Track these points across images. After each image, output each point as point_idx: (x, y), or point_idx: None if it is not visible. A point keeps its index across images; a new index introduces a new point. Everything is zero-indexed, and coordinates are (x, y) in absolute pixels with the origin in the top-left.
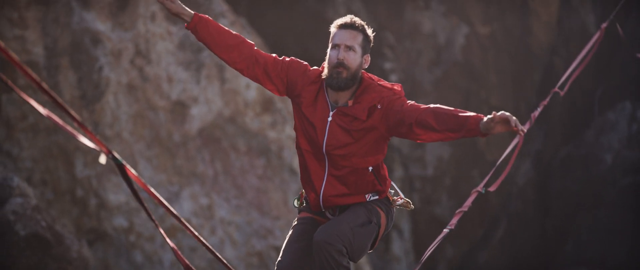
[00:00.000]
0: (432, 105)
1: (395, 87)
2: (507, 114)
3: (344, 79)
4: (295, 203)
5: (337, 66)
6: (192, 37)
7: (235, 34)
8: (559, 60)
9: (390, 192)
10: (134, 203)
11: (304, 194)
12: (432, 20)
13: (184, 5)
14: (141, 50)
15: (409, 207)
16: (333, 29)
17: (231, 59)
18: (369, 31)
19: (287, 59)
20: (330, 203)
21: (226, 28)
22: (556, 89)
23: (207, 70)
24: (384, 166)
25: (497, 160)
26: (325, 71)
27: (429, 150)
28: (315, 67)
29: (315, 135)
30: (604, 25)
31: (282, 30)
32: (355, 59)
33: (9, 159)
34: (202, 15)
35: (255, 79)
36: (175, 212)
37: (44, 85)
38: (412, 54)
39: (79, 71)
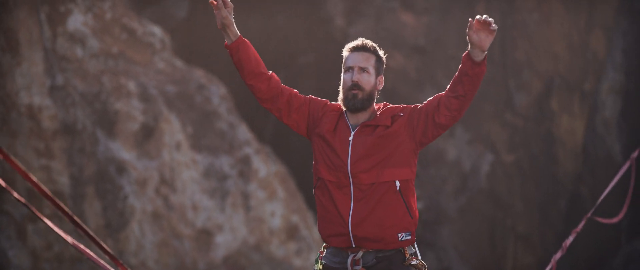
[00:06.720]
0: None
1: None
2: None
3: (360, 100)
4: (316, 266)
5: (352, 88)
6: (217, 164)
7: (268, 70)
8: (585, 188)
9: (410, 250)
10: None
11: (323, 252)
12: (457, 147)
13: (234, 23)
14: (166, 178)
15: None
16: (345, 52)
17: (259, 87)
18: (381, 53)
19: (308, 96)
20: (361, 233)
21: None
22: (589, 215)
23: (232, 199)
24: (414, 192)
25: None
26: (341, 95)
27: None
28: (334, 102)
29: (339, 158)
30: (634, 154)
31: (306, 159)
32: (369, 80)
33: None
34: (246, 39)
35: (277, 110)
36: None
37: (77, 218)
38: (437, 182)
39: (104, 200)
